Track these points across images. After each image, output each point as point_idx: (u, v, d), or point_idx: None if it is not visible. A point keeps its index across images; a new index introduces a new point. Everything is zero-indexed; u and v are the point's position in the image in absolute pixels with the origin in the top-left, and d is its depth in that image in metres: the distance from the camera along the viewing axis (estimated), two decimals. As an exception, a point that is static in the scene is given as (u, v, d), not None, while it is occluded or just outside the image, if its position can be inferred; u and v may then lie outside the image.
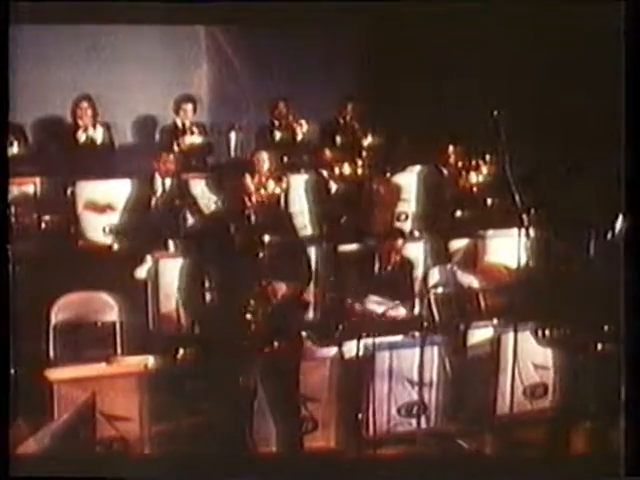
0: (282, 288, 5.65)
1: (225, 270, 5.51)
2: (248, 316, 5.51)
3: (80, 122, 8.52)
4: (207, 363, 5.71)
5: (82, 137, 8.51)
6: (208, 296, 5.57)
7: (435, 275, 7.48)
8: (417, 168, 8.56)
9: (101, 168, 8.40)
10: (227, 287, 5.47)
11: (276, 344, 5.58)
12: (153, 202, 7.96)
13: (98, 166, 8.43)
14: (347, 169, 8.45)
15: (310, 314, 6.84)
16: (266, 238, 5.83)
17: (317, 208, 8.22)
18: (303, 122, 8.80)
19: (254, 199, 5.73)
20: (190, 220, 7.90)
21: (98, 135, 8.55)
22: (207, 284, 5.60)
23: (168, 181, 8.00)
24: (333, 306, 7.16)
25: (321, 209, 8.24)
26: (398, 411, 6.44)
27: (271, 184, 7.63)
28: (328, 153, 8.66)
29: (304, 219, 8.16)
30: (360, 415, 6.30)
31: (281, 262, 5.74)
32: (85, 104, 8.54)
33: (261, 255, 5.64)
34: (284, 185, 7.87)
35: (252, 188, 5.60)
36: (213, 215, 7.05)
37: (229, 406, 5.68)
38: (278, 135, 8.90)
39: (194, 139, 8.82)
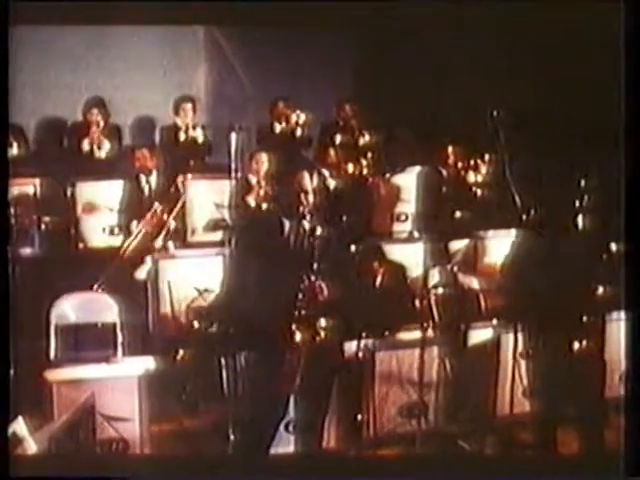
0: (324, 289, 5.65)
1: (276, 263, 5.49)
2: (296, 312, 5.50)
3: (89, 129, 8.52)
4: (246, 359, 5.67)
5: (86, 146, 8.53)
6: (254, 289, 5.53)
7: (435, 276, 7.48)
8: (417, 168, 8.55)
9: (102, 170, 8.41)
10: (276, 280, 5.46)
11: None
12: (143, 200, 8.00)
13: (99, 168, 8.44)
14: (346, 169, 8.45)
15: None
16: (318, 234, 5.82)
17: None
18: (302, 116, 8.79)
19: (310, 198, 5.75)
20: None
21: (106, 143, 8.57)
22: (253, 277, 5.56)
23: (153, 178, 8.04)
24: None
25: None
26: (398, 412, 6.44)
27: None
28: (327, 153, 8.66)
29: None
30: (360, 415, 6.30)
31: (328, 263, 5.73)
32: (95, 110, 8.55)
33: (312, 252, 5.65)
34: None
35: (310, 187, 5.64)
36: (266, 211, 7.07)
37: (254, 405, 5.65)
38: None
39: (194, 139, 8.83)
